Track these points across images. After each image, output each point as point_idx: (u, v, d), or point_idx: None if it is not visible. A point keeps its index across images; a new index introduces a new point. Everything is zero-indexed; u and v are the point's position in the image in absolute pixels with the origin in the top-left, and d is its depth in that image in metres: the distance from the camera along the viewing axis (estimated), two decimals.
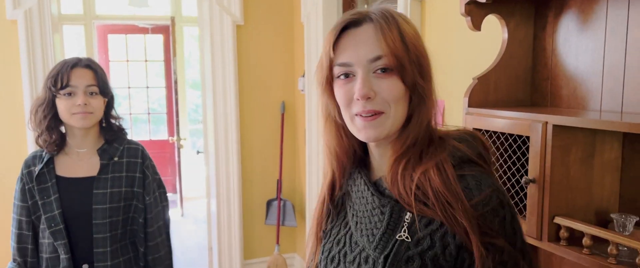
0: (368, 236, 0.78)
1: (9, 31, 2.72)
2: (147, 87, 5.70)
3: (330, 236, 0.87)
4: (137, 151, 1.56)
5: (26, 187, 1.49)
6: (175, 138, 4.70)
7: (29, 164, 1.51)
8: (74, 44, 5.73)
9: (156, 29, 5.55)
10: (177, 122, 4.75)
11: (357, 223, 0.81)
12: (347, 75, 0.77)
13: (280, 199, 3.29)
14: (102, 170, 1.49)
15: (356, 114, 0.77)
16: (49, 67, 2.76)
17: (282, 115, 3.31)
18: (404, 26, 0.76)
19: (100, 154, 1.50)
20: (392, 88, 0.75)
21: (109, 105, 1.54)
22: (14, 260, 1.53)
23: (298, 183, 3.39)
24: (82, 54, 4.86)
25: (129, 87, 5.63)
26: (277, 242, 3.31)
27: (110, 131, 1.54)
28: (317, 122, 2.89)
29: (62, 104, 1.44)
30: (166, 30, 5.39)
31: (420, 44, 0.78)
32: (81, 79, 1.44)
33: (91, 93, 1.46)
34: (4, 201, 2.80)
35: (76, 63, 1.46)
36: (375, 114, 0.75)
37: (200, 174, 5.07)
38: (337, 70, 0.78)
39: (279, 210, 3.28)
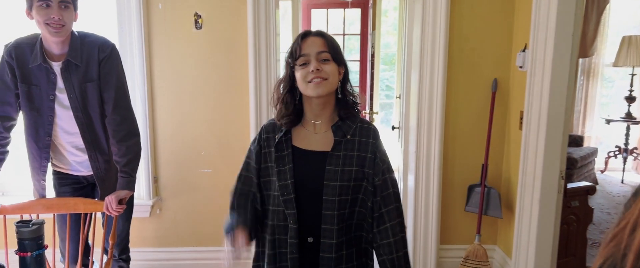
0: None
1: (238, 5, 2.97)
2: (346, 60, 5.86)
3: None
4: (369, 131, 1.51)
5: (263, 151, 1.55)
6: (368, 111, 4.73)
7: (268, 130, 1.57)
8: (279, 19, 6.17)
9: (355, 3, 5.62)
10: (371, 96, 4.77)
11: None
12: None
13: (485, 186, 3.02)
14: (335, 147, 1.47)
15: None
16: (272, 40, 2.95)
17: (493, 93, 2.99)
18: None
19: (334, 131, 1.49)
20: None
21: (345, 77, 1.51)
22: (237, 205, 1.56)
23: (505, 171, 3.06)
24: (289, 28, 5.19)
25: None
26: (478, 232, 3.06)
27: (345, 107, 1.51)
28: (541, 104, 2.51)
29: (298, 74, 1.46)
30: (365, 4, 5.42)
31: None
32: (312, 46, 1.46)
33: (324, 60, 1.44)
34: (229, 163, 3.13)
35: (307, 33, 1.49)
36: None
37: (389, 149, 5.04)
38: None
39: (482, 197, 3.01)
